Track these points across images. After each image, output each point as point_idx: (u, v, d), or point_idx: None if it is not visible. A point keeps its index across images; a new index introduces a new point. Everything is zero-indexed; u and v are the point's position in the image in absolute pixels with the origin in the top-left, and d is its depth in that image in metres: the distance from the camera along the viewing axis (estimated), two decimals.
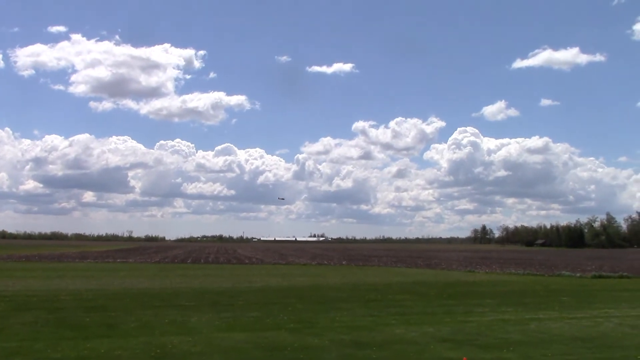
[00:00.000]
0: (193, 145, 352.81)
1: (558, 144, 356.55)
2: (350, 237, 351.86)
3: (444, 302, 25.45)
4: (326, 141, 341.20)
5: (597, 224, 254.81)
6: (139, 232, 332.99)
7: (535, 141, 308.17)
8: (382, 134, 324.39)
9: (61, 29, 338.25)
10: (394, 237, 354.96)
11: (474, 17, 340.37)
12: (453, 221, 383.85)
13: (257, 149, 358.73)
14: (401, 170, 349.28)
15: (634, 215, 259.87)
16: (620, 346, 15.40)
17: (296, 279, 40.05)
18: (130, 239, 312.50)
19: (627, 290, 33.31)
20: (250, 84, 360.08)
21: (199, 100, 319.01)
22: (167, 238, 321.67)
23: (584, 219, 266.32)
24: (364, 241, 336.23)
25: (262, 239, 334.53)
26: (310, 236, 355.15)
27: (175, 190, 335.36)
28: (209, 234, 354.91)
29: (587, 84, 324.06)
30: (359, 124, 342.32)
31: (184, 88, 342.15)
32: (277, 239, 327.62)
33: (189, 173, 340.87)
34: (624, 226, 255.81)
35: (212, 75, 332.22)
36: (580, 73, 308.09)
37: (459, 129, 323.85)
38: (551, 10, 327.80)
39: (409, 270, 53.26)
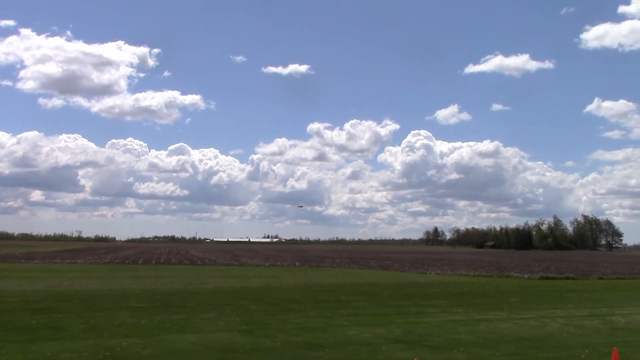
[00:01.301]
0: (146, 144, 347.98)
1: (508, 148, 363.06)
2: (304, 239, 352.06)
3: (396, 303, 25.65)
4: (281, 142, 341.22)
5: (544, 227, 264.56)
6: (89, 233, 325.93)
7: (487, 145, 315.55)
8: (337, 135, 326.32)
9: (10, 23, 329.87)
10: (347, 238, 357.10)
11: (429, 23, 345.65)
12: (406, 223, 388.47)
13: (212, 149, 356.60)
14: (355, 172, 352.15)
15: (580, 219, 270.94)
16: (565, 346, 15.80)
17: (249, 280, 39.79)
18: (79, 239, 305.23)
19: (572, 291, 34.19)
20: (205, 84, 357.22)
21: (153, 98, 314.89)
22: (117, 238, 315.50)
23: (532, 222, 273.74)
24: (317, 242, 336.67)
25: (215, 239, 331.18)
26: (264, 237, 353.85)
27: (126, 189, 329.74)
28: (161, 234, 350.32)
29: (537, 90, 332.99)
30: (314, 126, 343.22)
31: (137, 86, 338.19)
32: (230, 239, 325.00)
33: (141, 172, 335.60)
34: (570, 229, 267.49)
35: (166, 74, 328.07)
36: (530, 79, 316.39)
37: (412, 132, 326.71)
38: (503, 18, 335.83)
39: (362, 272, 53.55)
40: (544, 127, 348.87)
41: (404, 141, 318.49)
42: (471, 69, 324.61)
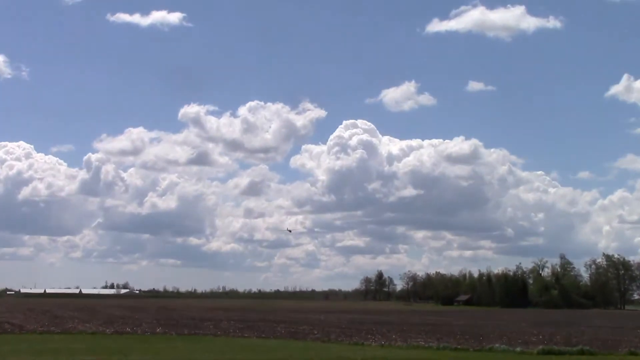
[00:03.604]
0: None
1: (492, 150, 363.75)
2: (171, 290, 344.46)
3: None
4: (136, 134, 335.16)
5: (546, 272, 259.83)
6: None
7: (460, 144, 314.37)
8: (227, 125, 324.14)
9: None
10: (240, 289, 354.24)
11: None
12: (334, 264, 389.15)
13: (21, 142, 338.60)
14: (255, 184, 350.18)
15: (600, 260, 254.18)
16: None
17: (76, 358, 37.80)
18: None
19: None
20: (13, 41, 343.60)
21: None
22: None
23: (527, 264, 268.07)
24: (193, 295, 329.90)
25: (23, 290, 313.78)
26: (106, 287, 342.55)
27: None
28: None
29: (535, 61, 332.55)
30: (190, 109, 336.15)
31: None
32: (50, 291, 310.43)
33: None
34: (585, 276, 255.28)
35: None
36: (526, 44, 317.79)
37: (345, 122, 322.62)
38: None
39: (264, 343, 52.09)
40: (547, 118, 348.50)
41: (331, 136, 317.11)
42: (437, 26, 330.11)
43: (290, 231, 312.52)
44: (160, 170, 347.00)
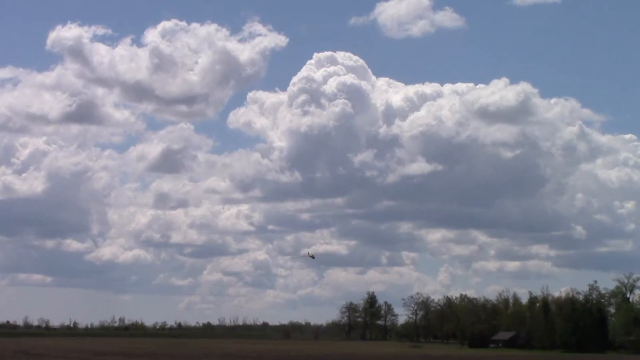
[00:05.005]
0: None
1: (553, 100, 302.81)
2: (36, 323, 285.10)
3: None
4: None
5: (637, 294, 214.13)
6: None
7: (501, 91, 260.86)
8: (127, 59, 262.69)
9: None
10: (149, 322, 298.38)
11: None
12: (299, 283, 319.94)
13: None
14: (172, 154, 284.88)
15: None
16: None
17: None
18: None
19: None
20: None
21: None
22: None
23: (607, 283, 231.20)
24: (72, 332, 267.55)
25: None
26: None
27: None
28: None
29: None
30: (66, 32, 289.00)
31: None
32: None
33: None
34: None
35: None
36: None
37: (317, 55, 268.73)
38: None
39: None
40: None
41: (295, 79, 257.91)
42: None
43: (313, 257, 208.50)
44: (17, 131, 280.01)
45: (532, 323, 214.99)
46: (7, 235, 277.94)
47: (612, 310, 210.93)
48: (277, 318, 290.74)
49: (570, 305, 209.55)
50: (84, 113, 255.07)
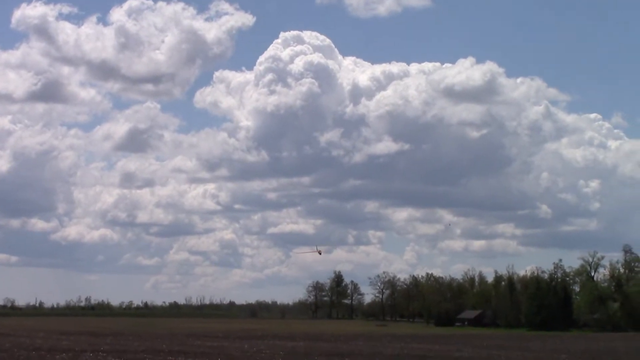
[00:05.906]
0: None
1: (519, 80, 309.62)
2: (1, 303, 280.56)
3: None
4: None
5: (602, 275, 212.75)
6: None
7: (467, 70, 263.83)
8: (93, 37, 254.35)
9: None
10: (115, 301, 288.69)
11: None
12: (265, 262, 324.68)
13: None
14: (139, 133, 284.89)
15: None
16: None
17: None
18: None
19: None
20: None
21: None
22: None
23: (572, 262, 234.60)
24: (38, 312, 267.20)
25: None
26: None
27: None
28: None
29: None
30: (31, 11, 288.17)
31: None
32: None
33: None
34: None
35: None
36: None
37: (283, 35, 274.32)
38: None
39: None
40: (607, 30, 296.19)
41: (262, 58, 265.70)
42: None
43: (320, 253, 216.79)
44: None
45: (497, 302, 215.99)
46: None
47: (576, 288, 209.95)
48: (244, 297, 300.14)
49: (535, 283, 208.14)
50: (49, 92, 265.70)
